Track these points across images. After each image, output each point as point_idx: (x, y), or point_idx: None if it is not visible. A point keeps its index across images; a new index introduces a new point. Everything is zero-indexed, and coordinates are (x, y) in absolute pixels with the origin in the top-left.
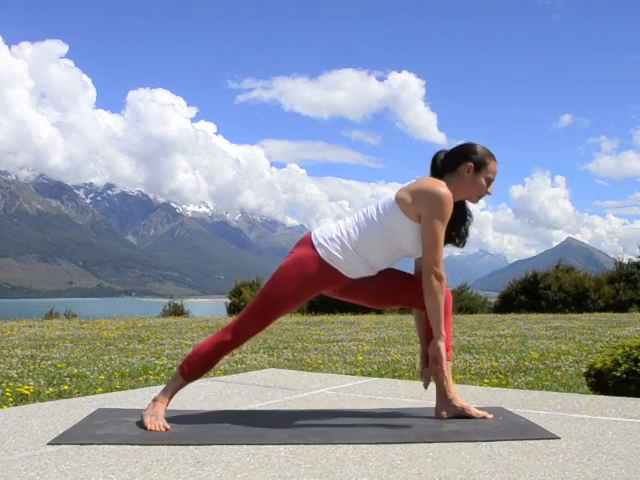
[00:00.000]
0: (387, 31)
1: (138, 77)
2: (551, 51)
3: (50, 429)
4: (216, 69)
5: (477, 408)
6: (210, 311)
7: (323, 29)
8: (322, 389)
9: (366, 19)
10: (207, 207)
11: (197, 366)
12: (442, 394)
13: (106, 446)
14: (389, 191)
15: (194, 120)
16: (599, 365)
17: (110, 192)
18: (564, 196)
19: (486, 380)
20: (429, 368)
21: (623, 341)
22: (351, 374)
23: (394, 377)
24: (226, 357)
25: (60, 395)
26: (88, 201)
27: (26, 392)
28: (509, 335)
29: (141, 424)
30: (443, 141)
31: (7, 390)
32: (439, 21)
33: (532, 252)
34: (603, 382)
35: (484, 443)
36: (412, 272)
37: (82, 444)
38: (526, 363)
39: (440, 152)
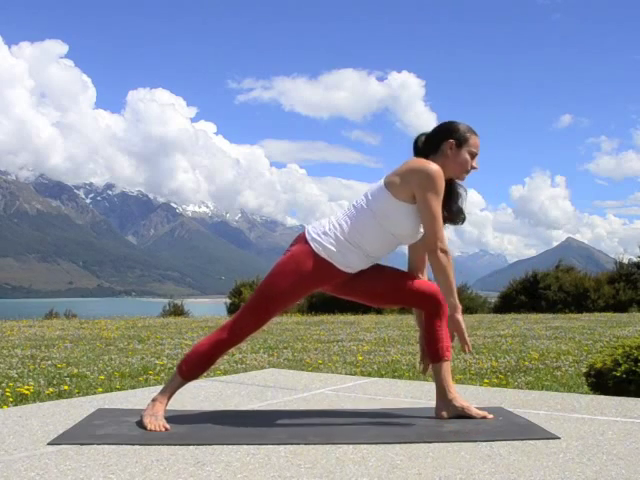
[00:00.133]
0: (387, 31)
1: (138, 77)
2: (551, 51)
3: (50, 429)
4: (216, 69)
5: (477, 408)
6: (210, 311)
7: (323, 29)
8: (322, 389)
9: (366, 19)
10: (207, 207)
11: (195, 365)
12: (442, 394)
13: (106, 446)
14: None
15: (194, 120)
16: (599, 365)
17: (110, 192)
18: (564, 196)
19: (486, 380)
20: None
21: (623, 341)
22: (351, 374)
23: (394, 377)
24: (225, 357)
25: (60, 395)
26: (88, 201)
27: (26, 392)
28: (509, 335)
29: (141, 424)
30: None
31: (7, 390)
32: (439, 21)
33: (532, 252)
34: (603, 382)
35: (484, 443)
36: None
37: (82, 444)
38: (526, 363)
39: (420, 135)
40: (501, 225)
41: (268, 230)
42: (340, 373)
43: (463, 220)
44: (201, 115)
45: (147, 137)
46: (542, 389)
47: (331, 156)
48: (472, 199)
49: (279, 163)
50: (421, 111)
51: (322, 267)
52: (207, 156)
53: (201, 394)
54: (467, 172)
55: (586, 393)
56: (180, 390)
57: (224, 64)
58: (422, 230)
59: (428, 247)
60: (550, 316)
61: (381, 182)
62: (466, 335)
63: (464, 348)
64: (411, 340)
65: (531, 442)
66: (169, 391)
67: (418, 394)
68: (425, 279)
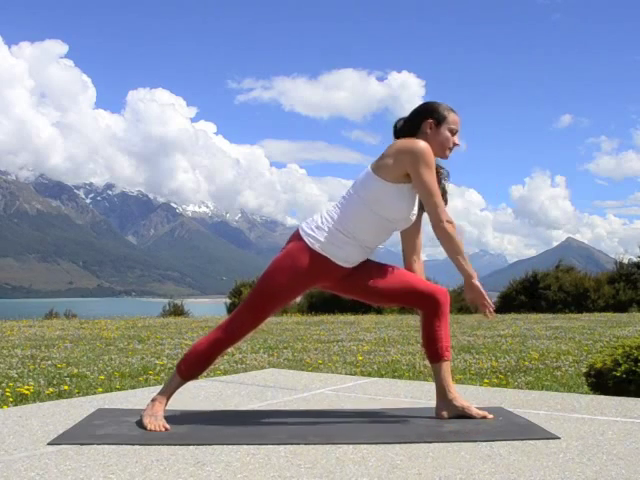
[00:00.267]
0: (387, 31)
1: (138, 77)
2: (551, 51)
3: (50, 429)
4: (216, 69)
5: (477, 408)
6: (210, 311)
7: (323, 29)
8: (322, 389)
9: (366, 19)
10: (207, 207)
11: (194, 365)
12: (442, 394)
13: (106, 446)
14: None
15: (194, 120)
16: (599, 365)
17: (110, 192)
18: (564, 196)
19: (486, 380)
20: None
21: (623, 341)
22: (351, 374)
23: (394, 377)
24: (225, 356)
25: (60, 395)
26: (88, 201)
27: (26, 392)
28: (509, 335)
29: (141, 424)
30: None
31: (7, 390)
32: (439, 21)
33: (532, 252)
34: (603, 382)
35: (484, 443)
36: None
37: (82, 444)
38: (526, 363)
39: (399, 120)
40: (501, 225)
41: (268, 230)
42: (340, 373)
43: (446, 201)
44: (201, 115)
45: (147, 137)
46: (542, 389)
47: (331, 156)
48: (472, 199)
49: (279, 163)
50: None
51: (318, 262)
52: (207, 156)
53: (201, 394)
54: (450, 149)
55: (586, 393)
56: (180, 390)
57: (224, 64)
58: (415, 212)
59: (433, 222)
60: (550, 316)
61: (368, 168)
62: (488, 298)
63: (486, 314)
64: (411, 340)
65: (531, 442)
66: (168, 391)
67: (418, 394)
68: (421, 263)
